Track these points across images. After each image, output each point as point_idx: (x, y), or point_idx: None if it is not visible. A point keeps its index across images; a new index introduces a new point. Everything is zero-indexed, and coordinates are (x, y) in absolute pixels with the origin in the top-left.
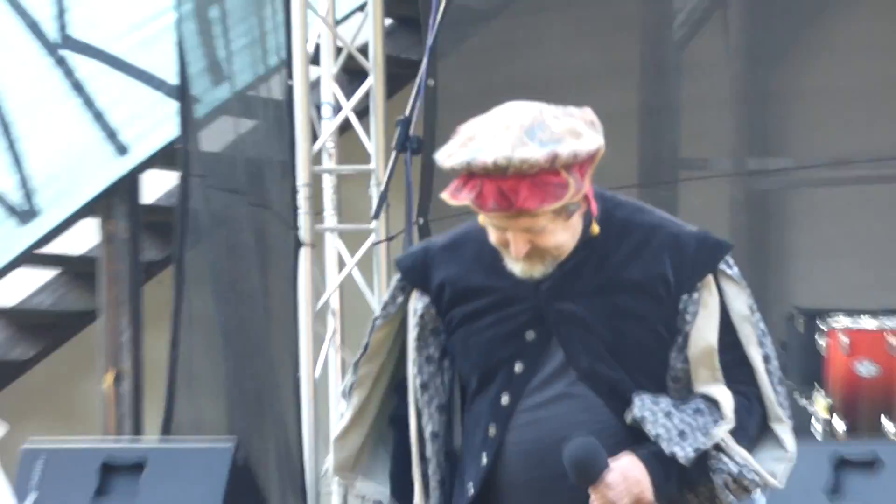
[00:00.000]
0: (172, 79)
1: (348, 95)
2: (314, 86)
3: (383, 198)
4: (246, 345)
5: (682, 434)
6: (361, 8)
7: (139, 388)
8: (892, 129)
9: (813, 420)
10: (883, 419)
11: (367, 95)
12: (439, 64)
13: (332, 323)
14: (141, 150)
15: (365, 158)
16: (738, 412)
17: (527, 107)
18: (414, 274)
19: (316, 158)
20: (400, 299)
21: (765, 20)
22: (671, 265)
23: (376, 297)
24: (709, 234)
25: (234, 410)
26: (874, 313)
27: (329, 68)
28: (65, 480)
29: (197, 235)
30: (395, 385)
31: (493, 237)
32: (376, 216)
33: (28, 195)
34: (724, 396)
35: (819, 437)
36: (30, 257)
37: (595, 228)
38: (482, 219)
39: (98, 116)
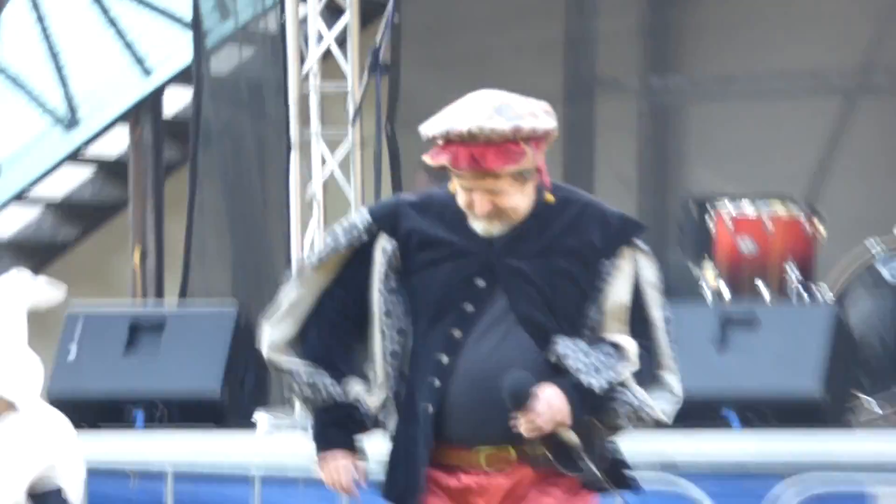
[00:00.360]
0: (188, 15)
1: (330, 27)
2: (302, 21)
3: (358, 109)
4: (247, 228)
5: (596, 369)
6: None
7: (161, 263)
8: (767, 53)
9: (703, 287)
10: (760, 285)
11: (345, 29)
12: (403, 3)
13: (317, 211)
14: (162, 73)
15: (343, 79)
16: (639, 359)
17: (496, 92)
18: (385, 220)
19: (304, 79)
20: (365, 238)
21: None
22: (598, 235)
23: (353, 191)
24: (629, 215)
25: (237, 281)
26: (752, 199)
27: (314, 6)
28: (99, 338)
29: (208, 141)
30: (329, 294)
31: (461, 199)
32: (353, 124)
33: (72, 108)
34: (630, 344)
35: (708, 301)
36: (73, 158)
37: (550, 196)
38: (453, 184)
39: (128, 45)
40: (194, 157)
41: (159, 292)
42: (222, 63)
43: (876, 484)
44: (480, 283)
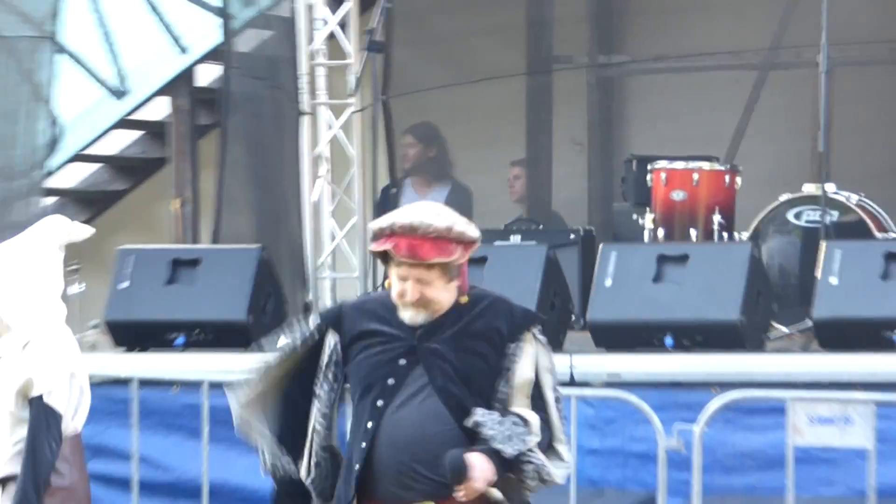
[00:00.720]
0: (218, 2)
1: (333, 13)
2: (310, 8)
3: (358, 81)
4: (267, 181)
5: (509, 437)
6: None
7: (196, 211)
8: (693, 35)
9: (644, 230)
10: (690, 229)
11: (346, 14)
12: None
13: (324, 166)
14: (196, 51)
15: (345, 56)
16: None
17: (436, 204)
18: (331, 320)
19: (312, 57)
20: (317, 337)
21: None
22: (505, 324)
23: (354, 149)
24: (531, 310)
25: (259, 225)
26: (684, 159)
27: None
28: (146, 273)
29: (234, 108)
30: (290, 382)
31: (394, 290)
32: (353, 93)
33: (122, 80)
34: (534, 417)
35: (647, 241)
36: (123, 123)
37: (464, 298)
38: (389, 279)
39: (167, 27)
40: (223, 122)
41: (195, 235)
42: (245, 43)
43: (785, 393)
44: (402, 362)
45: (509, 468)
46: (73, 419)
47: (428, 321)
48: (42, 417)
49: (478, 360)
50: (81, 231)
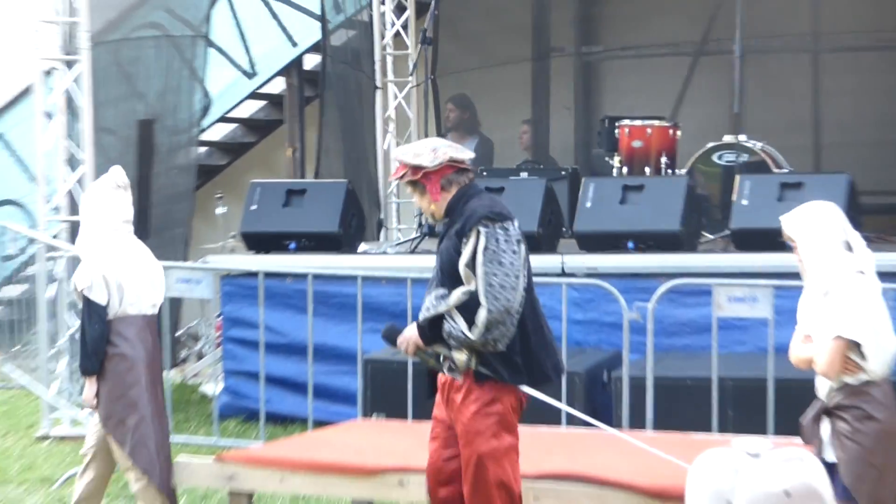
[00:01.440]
0: (317, 10)
1: (398, 18)
2: (383, 15)
3: (415, 66)
4: (352, 135)
5: (427, 309)
6: None
7: (303, 156)
8: (648, 30)
9: (613, 168)
10: (645, 168)
11: (407, 19)
12: (441, 4)
13: (391, 125)
14: (304, 44)
15: (406, 48)
16: (461, 301)
17: (427, 141)
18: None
19: (383, 49)
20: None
21: None
22: (462, 225)
23: (412, 113)
24: (484, 211)
25: (347, 166)
26: (641, 118)
27: (389, 6)
28: (269, 199)
29: (329, 85)
30: None
31: None
32: (412, 74)
33: (252, 65)
34: (455, 292)
35: (615, 176)
36: (253, 95)
37: (433, 206)
38: None
39: (283, 28)
40: (322, 94)
41: (302, 173)
42: (337, 38)
43: (711, 280)
44: (435, 254)
45: (429, 333)
46: (121, 306)
47: (436, 224)
48: (85, 305)
49: (451, 252)
50: (124, 177)
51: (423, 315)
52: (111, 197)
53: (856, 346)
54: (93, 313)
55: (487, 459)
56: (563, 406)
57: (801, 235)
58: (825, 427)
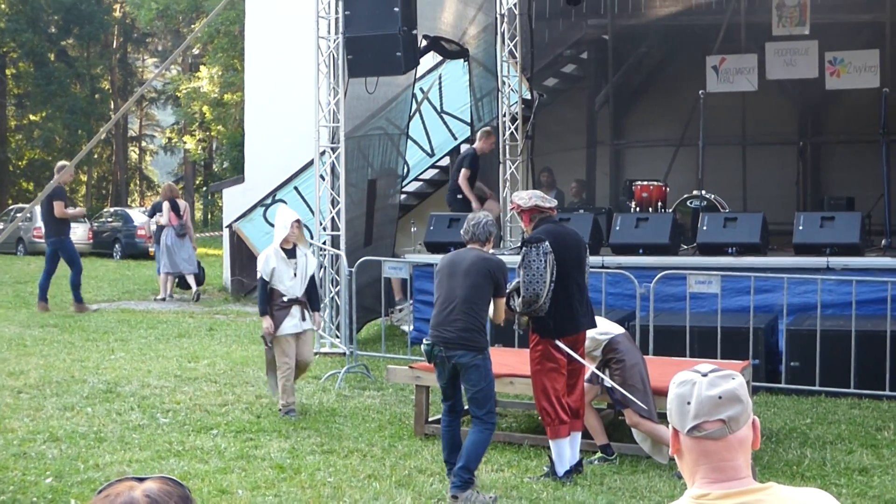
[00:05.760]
0: (468, 119)
1: (512, 124)
2: (503, 123)
3: (521, 150)
4: (488, 188)
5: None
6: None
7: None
8: (657, 129)
9: (631, 209)
10: (649, 208)
11: (517, 124)
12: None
13: (508, 182)
14: (460, 137)
15: (517, 140)
16: (514, 288)
17: (528, 191)
18: None
19: (503, 142)
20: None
21: None
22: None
23: (520, 176)
24: (527, 237)
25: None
26: (647, 180)
27: (508, 116)
28: (440, 225)
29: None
30: None
31: None
32: (520, 154)
33: (432, 150)
34: (513, 283)
35: (632, 212)
36: (432, 167)
37: (528, 232)
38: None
39: (448, 128)
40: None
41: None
42: (476, 137)
43: (685, 272)
44: None
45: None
46: (272, 282)
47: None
48: (259, 281)
49: None
50: (293, 216)
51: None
52: (289, 224)
53: None
54: (259, 285)
55: (534, 375)
56: (574, 355)
57: None
58: None
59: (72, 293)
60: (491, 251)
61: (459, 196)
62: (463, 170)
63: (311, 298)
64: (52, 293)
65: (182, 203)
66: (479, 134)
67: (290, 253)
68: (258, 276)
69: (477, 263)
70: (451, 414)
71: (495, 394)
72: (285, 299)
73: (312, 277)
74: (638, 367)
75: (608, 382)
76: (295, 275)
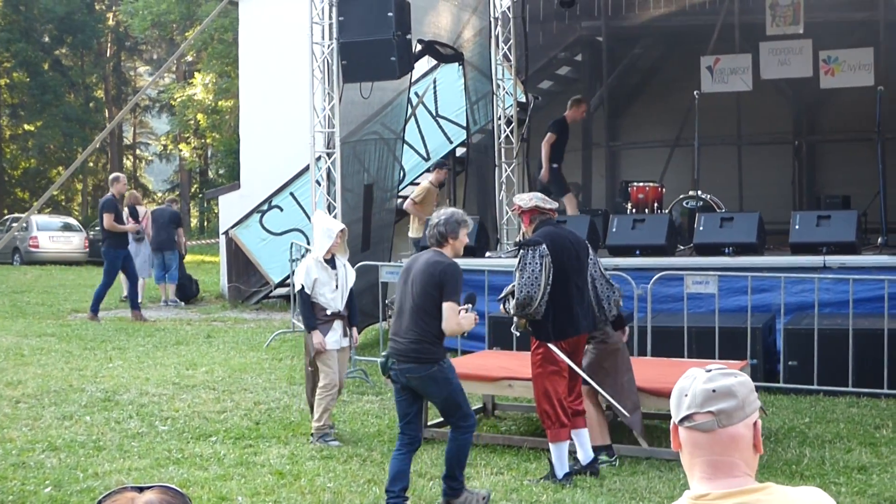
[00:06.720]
0: (463, 123)
1: (507, 126)
2: (499, 126)
3: (517, 153)
4: (483, 192)
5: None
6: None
7: (454, 203)
8: (653, 130)
9: (627, 210)
10: (645, 209)
11: (513, 127)
12: (532, 114)
13: (504, 185)
14: (455, 141)
15: (512, 143)
16: (509, 290)
17: (529, 194)
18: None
19: (500, 143)
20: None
21: None
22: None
23: (515, 178)
24: (524, 240)
25: (480, 209)
26: (643, 181)
27: (503, 119)
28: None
29: (470, 164)
30: None
31: None
32: (515, 157)
33: (427, 153)
34: (509, 286)
35: (628, 214)
36: (427, 170)
37: (528, 233)
38: None
39: (444, 132)
40: (466, 169)
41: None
42: (474, 138)
43: (682, 272)
44: None
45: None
46: (312, 294)
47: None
48: (299, 294)
49: None
50: (338, 224)
51: (500, 296)
52: (328, 230)
53: None
54: (301, 296)
55: (535, 378)
56: (570, 362)
57: None
58: None
59: (92, 303)
60: (463, 244)
61: (555, 165)
62: (549, 133)
63: (351, 312)
64: (49, 302)
65: (142, 209)
66: (569, 102)
67: (331, 263)
68: (297, 287)
69: (425, 269)
70: (407, 447)
71: (464, 395)
72: (328, 312)
73: (351, 290)
74: (622, 354)
75: (602, 393)
76: (336, 286)
